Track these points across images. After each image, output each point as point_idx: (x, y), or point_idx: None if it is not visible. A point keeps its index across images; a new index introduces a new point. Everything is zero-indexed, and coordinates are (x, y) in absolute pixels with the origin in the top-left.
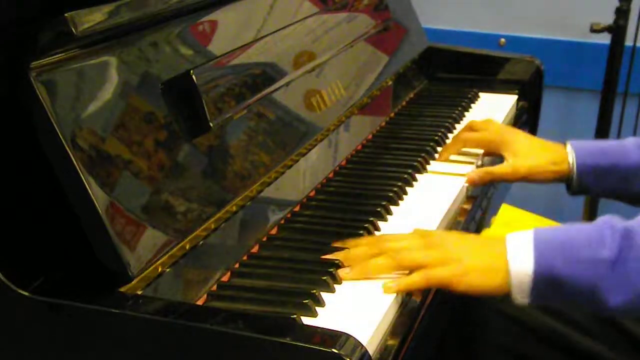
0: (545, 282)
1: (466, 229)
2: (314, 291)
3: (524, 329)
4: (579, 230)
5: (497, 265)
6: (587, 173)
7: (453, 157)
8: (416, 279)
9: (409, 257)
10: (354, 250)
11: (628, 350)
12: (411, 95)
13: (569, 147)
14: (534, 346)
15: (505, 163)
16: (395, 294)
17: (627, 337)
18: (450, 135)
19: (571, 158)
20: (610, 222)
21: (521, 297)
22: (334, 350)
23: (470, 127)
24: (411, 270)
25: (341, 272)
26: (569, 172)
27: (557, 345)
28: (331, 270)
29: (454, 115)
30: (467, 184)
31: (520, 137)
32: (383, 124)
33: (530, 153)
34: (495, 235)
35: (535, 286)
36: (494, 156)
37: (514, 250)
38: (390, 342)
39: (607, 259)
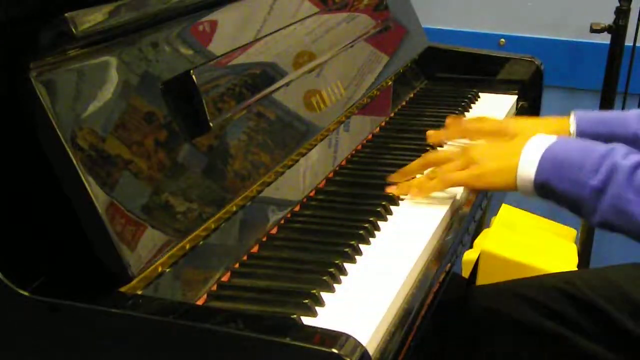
0: (542, 189)
1: (470, 222)
2: (314, 291)
3: (524, 331)
4: (588, 152)
5: (509, 166)
6: None
7: None
8: (436, 183)
9: (443, 169)
10: (408, 166)
11: (628, 351)
12: (411, 95)
13: (572, 116)
14: (533, 348)
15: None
16: (396, 291)
17: (626, 337)
18: None
19: (573, 126)
20: (614, 154)
21: (529, 194)
22: (334, 350)
23: (466, 121)
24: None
25: (395, 191)
26: None
27: (556, 347)
28: (331, 270)
29: (454, 115)
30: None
31: (518, 121)
32: (383, 124)
33: (531, 129)
34: (494, 236)
35: (535, 190)
36: None
37: (525, 157)
38: (390, 342)
39: (593, 187)
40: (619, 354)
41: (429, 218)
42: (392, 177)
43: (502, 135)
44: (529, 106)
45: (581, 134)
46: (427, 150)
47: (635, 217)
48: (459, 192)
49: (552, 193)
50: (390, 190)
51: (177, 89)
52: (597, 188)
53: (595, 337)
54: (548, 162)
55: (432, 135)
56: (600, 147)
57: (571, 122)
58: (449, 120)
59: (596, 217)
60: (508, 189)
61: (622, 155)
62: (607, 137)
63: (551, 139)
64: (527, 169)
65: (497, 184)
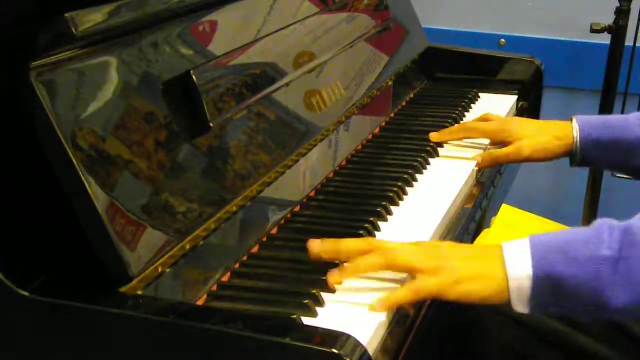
0: (546, 284)
1: (466, 229)
2: (314, 291)
3: (525, 329)
4: (576, 232)
5: (491, 272)
6: (589, 146)
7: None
8: (405, 293)
9: (401, 257)
10: (345, 242)
11: (629, 351)
12: (411, 95)
13: (574, 121)
14: (535, 346)
15: (508, 146)
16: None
17: (628, 337)
18: None
19: (575, 132)
20: (608, 222)
21: (521, 303)
22: (334, 350)
23: (476, 120)
24: (401, 272)
25: (330, 277)
26: (572, 144)
27: (558, 346)
28: (331, 270)
29: (454, 115)
30: (468, 179)
31: (521, 121)
32: (383, 123)
33: (534, 133)
34: (494, 236)
35: (535, 290)
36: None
37: (511, 255)
38: (390, 342)
39: (609, 257)
40: (619, 351)
41: (429, 218)
42: (316, 248)
43: (505, 137)
44: (529, 106)
45: (584, 138)
46: (427, 150)
47: None
48: (459, 191)
49: (557, 285)
50: (331, 278)
51: (177, 89)
52: (614, 257)
53: (595, 334)
54: (543, 250)
55: (434, 136)
56: (579, 227)
57: (573, 127)
58: (452, 129)
59: (619, 296)
60: (490, 298)
61: (613, 221)
62: (610, 142)
63: (521, 239)
64: (521, 265)
65: (477, 292)
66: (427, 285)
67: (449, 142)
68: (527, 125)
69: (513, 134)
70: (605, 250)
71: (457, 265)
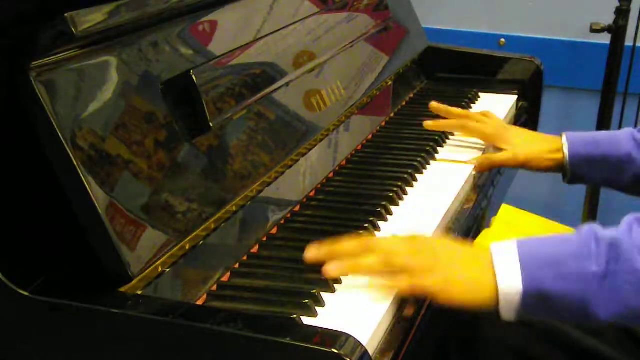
0: (534, 299)
1: (466, 229)
2: (314, 291)
3: (527, 328)
4: (564, 242)
5: (483, 280)
6: (580, 162)
7: (451, 155)
8: (401, 286)
9: (398, 259)
10: (343, 243)
11: (632, 349)
12: (411, 95)
13: (564, 138)
14: (537, 346)
15: (505, 151)
16: (393, 295)
17: (630, 336)
18: (450, 136)
19: (565, 148)
20: (594, 234)
21: (508, 314)
22: (334, 350)
23: (469, 115)
24: (397, 271)
25: (327, 268)
26: (562, 160)
27: (560, 345)
28: None
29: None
30: (467, 179)
31: (518, 131)
32: (383, 124)
33: (528, 143)
34: (494, 236)
35: (524, 304)
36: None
37: (501, 267)
38: (390, 342)
39: (596, 273)
40: (623, 351)
41: (429, 218)
42: (312, 253)
43: (501, 143)
44: (529, 106)
45: (574, 156)
46: (427, 150)
47: None
48: (459, 191)
49: (546, 299)
50: (328, 271)
51: (177, 89)
52: (601, 273)
53: (599, 334)
54: (532, 265)
55: (430, 125)
56: (570, 235)
57: (564, 144)
58: (452, 110)
59: (605, 310)
60: (480, 305)
61: (601, 229)
62: (600, 158)
63: (508, 242)
64: (511, 280)
65: (468, 300)
66: (420, 284)
67: (447, 135)
68: (522, 134)
69: (509, 140)
70: (593, 266)
71: (451, 270)
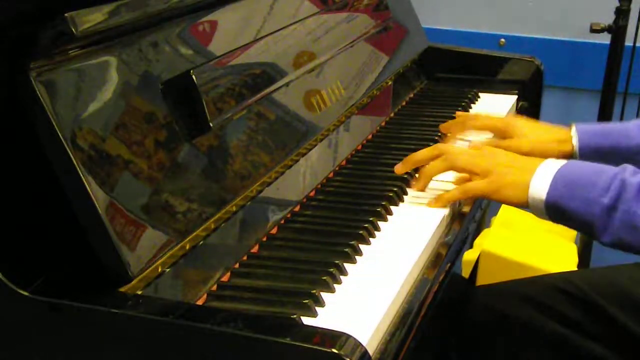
0: (553, 208)
1: (466, 229)
2: (314, 291)
3: (524, 331)
4: (598, 172)
5: (524, 183)
6: (589, 154)
7: None
8: (455, 193)
9: (461, 160)
10: (418, 152)
11: (628, 351)
12: (411, 95)
13: (573, 129)
14: (534, 348)
15: (510, 139)
16: (396, 291)
17: (627, 337)
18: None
19: (575, 139)
20: (624, 172)
21: (539, 214)
22: (334, 350)
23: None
24: (460, 172)
25: (414, 187)
26: (572, 152)
27: (557, 347)
28: (331, 270)
29: (454, 115)
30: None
31: (525, 121)
32: (383, 124)
33: (535, 133)
34: (494, 236)
35: (547, 210)
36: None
37: (537, 178)
38: (390, 342)
39: (605, 204)
40: (620, 354)
41: (429, 218)
42: (400, 169)
43: (506, 133)
44: (529, 106)
45: (584, 147)
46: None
47: None
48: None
49: (563, 213)
50: (412, 186)
51: (177, 89)
52: (608, 206)
53: (596, 336)
54: (560, 182)
55: (444, 127)
56: (612, 168)
57: (573, 135)
58: (460, 119)
59: (607, 236)
60: (520, 204)
61: (630, 173)
62: (610, 149)
63: (563, 161)
64: (539, 187)
65: (511, 198)
66: (476, 186)
67: (447, 135)
68: (530, 124)
69: (516, 130)
70: (606, 198)
71: (503, 172)
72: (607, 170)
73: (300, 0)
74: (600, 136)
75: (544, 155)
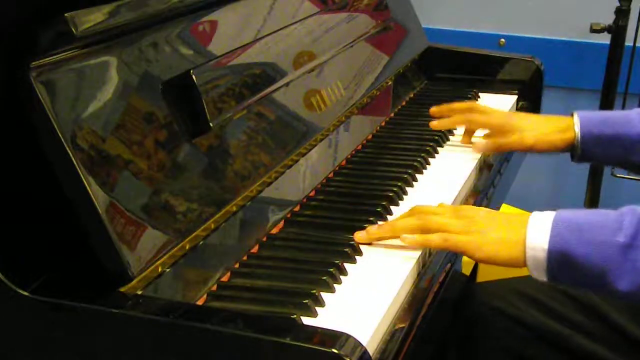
0: (558, 259)
1: None
2: (314, 291)
3: (524, 329)
4: (602, 214)
5: (515, 239)
6: (591, 141)
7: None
8: (435, 238)
9: (436, 220)
10: (397, 220)
11: (628, 352)
12: (411, 95)
13: (575, 116)
14: (534, 346)
15: (512, 135)
16: (396, 291)
17: (626, 337)
18: (450, 137)
19: (577, 127)
20: (633, 210)
21: (537, 272)
22: (333, 350)
23: (472, 109)
24: (434, 233)
25: (369, 229)
26: (574, 140)
27: (557, 346)
28: (331, 270)
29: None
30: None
31: (523, 115)
32: (383, 124)
33: (536, 125)
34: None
35: (549, 262)
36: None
37: (533, 226)
38: (390, 342)
39: (621, 244)
40: (619, 353)
41: None
42: (361, 237)
43: (506, 132)
44: (529, 106)
45: (586, 134)
46: (427, 150)
47: None
48: (459, 192)
49: (568, 262)
50: (358, 237)
51: (177, 89)
52: (626, 244)
53: (595, 336)
54: (561, 227)
55: (435, 125)
56: (612, 210)
57: (575, 122)
58: (455, 106)
59: (624, 282)
60: (512, 263)
61: None
62: (612, 137)
63: (551, 212)
64: (539, 238)
65: (501, 257)
66: (457, 239)
67: (447, 136)
68: (529, 117)
69: (515, 125)
70: (620, 236)
71: (486, 230)
72: (609, 212)
73: (300, 0)
74: (603, 124)
75: (549, 145)
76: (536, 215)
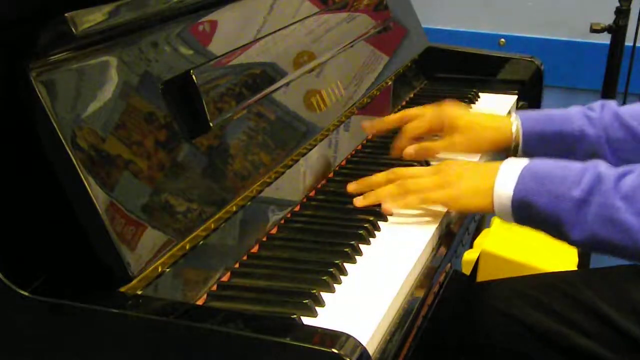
0: (521, 206)
1: (466, 228)
2: (314, 291)
3: (524, 329)
4: (567, 168)
5: (485, 187)
6: (534, 140)
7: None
8: (413, 200)
9: (413, 182)
10: (372, 176)
11: (627, 351)
12: (411, 95)
13: (513, 115)
14: (534, 346)
15: (443, 139)
16: (396, 291)
17: (625, 337)
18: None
19: (515, 125)
20: (596, 165)
21: (505, 216)
22: (334, 350)
23: (403, 118)
24: (414, 195)
25: (355, 200)
26: (511, 139)
27: (557, 345)
28: (331, 270)
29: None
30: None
31: (459, 113)
32: None
33: (469, 125)
34: (494, 236)
35: (513, 209)
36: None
37: (502, 175)
38: (390, 342)
39: (576, 198)
40: (619, 354)
41: (429, 218)
42: (353, 187)
43: (440, 128)
44: (529, 106)
45: (528, 132)
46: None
47: (626, 225)
48: None
49: (530, 210)
50: (357, 202)
51: (177, 89)
52: (580, 199)
53: (595, 336)
54: (527, 178)
55: (368, 127)
56: (579, 163)
57: (513, 120)
58: (387, 120)
59: (576, 233)
60: (484, 210)
61: (606, 166)
62: (554, 135)
63: (526, 159)
64: (505, 186)
65: (474, 205)
66: (434, 196)
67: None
68: (462, 116)
69: (447, 124)
70: (577, 191)
71: (459, 181)
72: (576, 165)
73: (300, 0)
74: (544, 122)
75: (481, 148)
76: (508, 163)
